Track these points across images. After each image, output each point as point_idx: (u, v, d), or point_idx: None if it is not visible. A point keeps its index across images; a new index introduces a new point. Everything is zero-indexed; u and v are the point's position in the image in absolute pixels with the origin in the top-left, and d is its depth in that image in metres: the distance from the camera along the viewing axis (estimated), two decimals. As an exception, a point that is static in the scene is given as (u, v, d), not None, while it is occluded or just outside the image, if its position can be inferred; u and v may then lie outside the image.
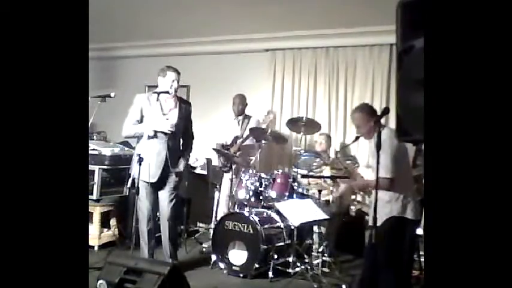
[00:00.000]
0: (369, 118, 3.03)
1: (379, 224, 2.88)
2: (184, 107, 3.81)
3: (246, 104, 4.95)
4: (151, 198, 3.69)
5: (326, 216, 3.87)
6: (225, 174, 4.87)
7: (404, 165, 2.99)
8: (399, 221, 2.89)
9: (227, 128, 4.99)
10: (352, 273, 3.88)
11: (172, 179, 3.75)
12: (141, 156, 3.37)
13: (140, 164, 3.35)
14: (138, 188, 3.57)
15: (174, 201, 3.78)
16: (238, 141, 4.75)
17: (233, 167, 4.45)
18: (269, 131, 4.57)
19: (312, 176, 4.36)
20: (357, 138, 3.24)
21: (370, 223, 3.04)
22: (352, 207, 4.48)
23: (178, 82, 3.69)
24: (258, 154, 4.61)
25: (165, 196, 3.75)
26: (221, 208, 4.82)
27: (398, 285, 2.93)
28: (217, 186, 4.97)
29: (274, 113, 5.25)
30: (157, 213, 3.96)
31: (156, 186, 3.71)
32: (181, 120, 3.73)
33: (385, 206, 2.87)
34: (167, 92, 3.62)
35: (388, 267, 2.88)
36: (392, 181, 2.83)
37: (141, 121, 3.64)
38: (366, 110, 3.12)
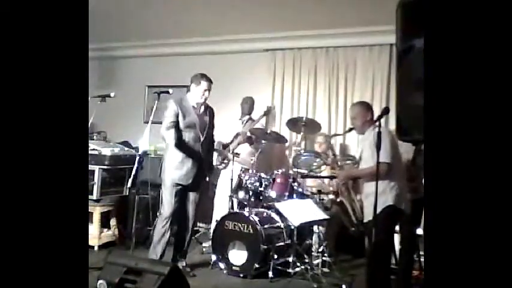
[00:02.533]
0: (365, 112, 3.21)
1: (371, 218, 2.91)
2: (211, 113, 3.91)
3: (253, 107, 4.98)
4: (179, 200, 3.70)
5: (326, 216, 3.87)
6: (222, 172, 4.87)
7: (398, 159, 3.06)
8: (394, 210, 2.92)
9: (230, 127, 4.99)
10: (352, 273, 3.89)
11: (204, 182, 3.86)
12: (141, 156, 3.39)
13: (140, 164, 3.37)
14: (138, 188, 3.58)
15: (197, 203, 3.86)
16: (239, 137, 4.76)
17: (231, 165, 4.44)
18: (269, 131, 4.57)
19: (312, 176, 4.37)
20: (350, 129, 3.38)
21: (365, 219, 3.06)
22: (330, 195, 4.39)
23: (209, 91, 3.75)
24: (258, 154, 4.61)
25: (194, 198, 3.81)
26: (218, 207, 4.80)
27: (385, 274, 2.95)
28: (215, 186, 4.97)
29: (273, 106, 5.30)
30: (158, 213, 3.97)
31: (186, 189, 3.73)
32: (210, 125, 3.86)
33: (380, 197, 2.86)
34: (167, 92, 3.65)
35: (378, 260, 2.91)
36: (390, 166, 2.88)
37: (177, 125, 3.64)
38: (365, 105, 3.31)
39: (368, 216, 3.02)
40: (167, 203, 3.63)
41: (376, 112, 4.84)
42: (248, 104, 4.96)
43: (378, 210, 2.86)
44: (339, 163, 3.61)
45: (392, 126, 3.91)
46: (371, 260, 3.05)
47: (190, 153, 3.64)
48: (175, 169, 3.62)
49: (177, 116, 3.61)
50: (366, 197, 3.10)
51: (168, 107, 3.63)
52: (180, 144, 3.60)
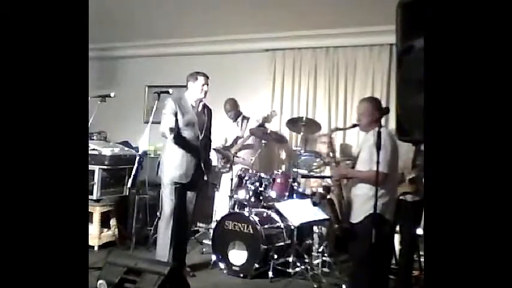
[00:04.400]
0: (373, 110, 3.04)
1: (359, 219, 2.92)
2: (209, 112, 3.90)
3: (238, 106, 4.94)
4: (178, 199, 3.66)
5: (326, 217, 3.87)
6: (223, 174, 4.86)
7: (395, 168, 3.01)
8: (379, 218, 2.83)
9: (227, 129, 4.99)
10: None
11: (202, 181, 3.83)
12: (141, 156, 3.39)
13: (140, 164, 3.37)
14: (138, 188, 3.57)
15: (195, 202, 3.85)
16: (240, 140, 4.75)
17: (233, 167, 4.45)
18: (269, 131, 4.57)
19: (312, 176, 4.36)
20: (354, 125, 3.26)
21: (353, 220, 3.04)
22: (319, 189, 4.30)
23: (208, 86, 3.74)
24: (258, 154, 4.61)
25: (192, 197, 3.80)
26: (220, 208, 4.81)
27: (373, 283, 2.94)
28: (217, 187, 4.97)
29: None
30: (158, 213, 3.95)
31: (185, 187, 3.71)
32: (208, 124, 3.85)
33: (367, 203, 2.86)
34: (167, 92, 3.65)
35: (363, 265, 2.90)
36: (387, 176, 2.82)
37: (176, 123, 3.61)
38: (374, 103, 3.14)
39: (355, 217, 3.00)
40: (167, 202, 3.62)
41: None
42: (231, 111, 4.89)
43: (364, 215, 2.88)
44: (337, 160, 3.57)
45: (392, 126, 3.91)
46: (355, 264, 3.07)
47: (190, 151, 3.64)
48: (174, 168, 3.61)
49: (176, 114, 3.60)
50: (354, 198, 3.08)
51: (166, 105, 3.62)
52: (180, 140, 3.59)
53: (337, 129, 4.31)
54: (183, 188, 3.68)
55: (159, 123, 3.64)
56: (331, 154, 3.44)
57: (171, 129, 3.41)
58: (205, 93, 3.74)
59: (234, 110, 4.89)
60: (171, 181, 3.61)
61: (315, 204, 3.90)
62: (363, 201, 2.91)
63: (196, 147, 3.69)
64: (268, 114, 4.68)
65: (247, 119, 4.89)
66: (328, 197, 3.83)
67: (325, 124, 5.16)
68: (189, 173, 3.65)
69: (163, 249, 3.59)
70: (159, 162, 3.77)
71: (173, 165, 3.62)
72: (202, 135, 3.74)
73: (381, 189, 2.84)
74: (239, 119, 4.91)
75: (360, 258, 2.97)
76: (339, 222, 3.29)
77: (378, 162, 2.67)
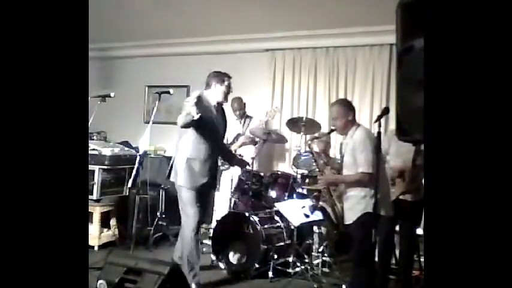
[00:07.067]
0: (346, 112, 3.04)
1: (353, 220, 2.95)
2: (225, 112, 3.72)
3: (245, 105, 4.95)
4: (200, 203, 3.39)
5: (326, 217, 3.87)
6: (223, 172, 4.86)
7: (381, 164, 3.00)
8: (373, 217, 2.85)
9: (229, 127, 4.98)
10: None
11: (216, 181, 3.71)
12: (141, 156, 3.38)
13: (141, 164, 3.36)
14: (138, 188, 3.55)
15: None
16: (240, 138, 4.75)
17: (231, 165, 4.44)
18: (269, 131, 4.57)
19: (312, 176, 4.36)
20: (331, 131, 3.25)
21: (346, 222, 3.07)
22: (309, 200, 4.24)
23: (231, 88, 3.54)
24: (258, 153, 4.61)
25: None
26: (220, 208, 4.81)
27: (369, 281, 2.95)
28: (218, 186, 4.96)
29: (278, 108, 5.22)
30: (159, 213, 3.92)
31: (205, 189, 3.49)
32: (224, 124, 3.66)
33: (360, 203, 2.93)
34: (168, 92, 3.64)
35: (360, 263, 2.93)
36: (372, 176, 2.83)
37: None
38: (345, 104, 3.14)
39: (349, 218, 3.02)
40: (191, 209, 3.33)
41: (376, 112, 4.84)
42: (240, 110, 4.88)
43: (357, 215, 2.92)
44: (321, 169, 3.52)
45: (392, 126, 3.91)
46: (354, 264, 3.09)
47: (213, 153, 3.44)
48: (196, 172, 3.36)
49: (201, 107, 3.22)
50: (346, 200, 3.08)
51: (191, 97, 3.21)
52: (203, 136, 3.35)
53: (315, 138, 4.07)
54: (203, 190, 3.45)
55: (159, 123, 3.63)
56: (314, 164, 3.42)
57: (196, 104, 3.07)
58: (228, 94, 3.52)
59: (243, 109, 4.90)
60: (192, 186, 3.35)
61: (307, 216, 3.87)
62: (355, 202, 2.95)
63: (219, 149, 3.55)
64: (272, 110, 4.70)
65: (250, 118, 4.89)
66: (319, 205, 3.82)
67: (325, 124, 5.16)
68: (209, 175, 3.43)
69: (191, 256, 3.34)
70: (171, 165, 3.53)
71: (195, 170, 3.35)
72: (223, 136, 3.63)
73: (371, 189, 2.87)
74: (242, 118, 4.93)
75: (358, 258, 2.99)
76: (335, 227, 3.30)
77: (378, 164, 2.68)
